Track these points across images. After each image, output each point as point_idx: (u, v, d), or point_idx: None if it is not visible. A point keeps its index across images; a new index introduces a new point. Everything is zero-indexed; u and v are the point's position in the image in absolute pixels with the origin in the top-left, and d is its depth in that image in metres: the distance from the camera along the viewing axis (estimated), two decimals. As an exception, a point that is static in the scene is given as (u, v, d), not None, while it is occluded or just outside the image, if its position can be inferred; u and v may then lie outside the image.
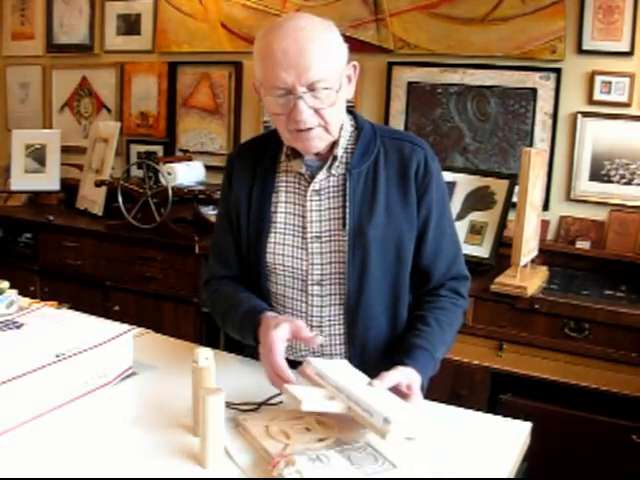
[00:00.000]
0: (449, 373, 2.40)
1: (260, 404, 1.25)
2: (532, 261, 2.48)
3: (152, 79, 3.63)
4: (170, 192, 2.89)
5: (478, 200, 2.65)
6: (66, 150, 3.76)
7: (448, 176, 2.57)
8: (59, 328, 1.40)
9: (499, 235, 2.57)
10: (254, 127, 3.37)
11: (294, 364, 1.29)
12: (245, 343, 1.45)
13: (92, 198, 3.50)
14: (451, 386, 2.41)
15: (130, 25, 3.65)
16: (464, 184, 2.68)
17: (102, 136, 3.54)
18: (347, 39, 1.38)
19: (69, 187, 3.70)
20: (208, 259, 1.59)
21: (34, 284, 3.31)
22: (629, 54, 2.62)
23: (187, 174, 3.09)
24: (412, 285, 1.46)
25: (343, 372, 1.24)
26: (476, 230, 2.61)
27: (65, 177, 3.74)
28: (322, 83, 1.29)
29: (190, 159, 3.30)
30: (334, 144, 1.41)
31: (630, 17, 2.60)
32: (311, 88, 1.28)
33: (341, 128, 1.41)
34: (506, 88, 2.83)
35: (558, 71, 2.73)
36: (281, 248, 1.43)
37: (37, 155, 3.68)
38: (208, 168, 3.26)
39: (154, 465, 1.06)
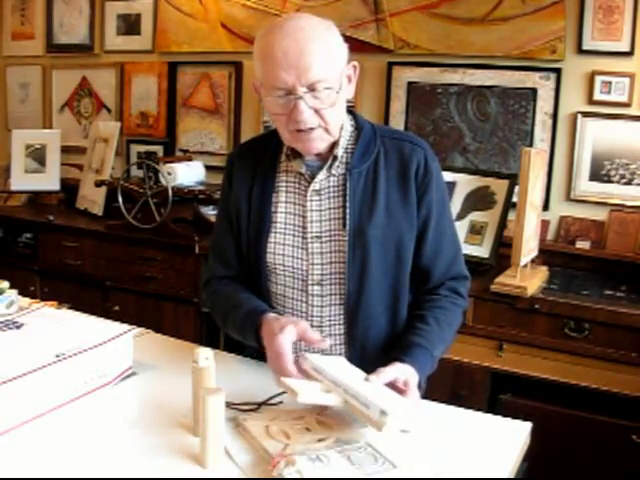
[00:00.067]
0: (449, 373, 2.40)
1: (260, 404, 1.25)
2: (532, 261, 2.48)
3: (152, 79, 3.63)
4: (170, 192, 2.89)
5: (478, 200, 2.65)
6: (66, 150, 3.76)
7: (448, 176, 2.57)
8: (59, 328, 1.40)
9: (499, 235, 2.57)
10: (254, 127, 3.37)
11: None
12: (246, 344, 1.45)
13: (92, 198, 3.50)
14: (451, 386, 2.41)
15: (130, 25, 3.65)
16: (464, 184, 2.68)
17: (102, 136, 3.54)
18: (347, 39, 1.39)
19: (69, 187, 3.70)
20: (208, 259, 1.59)
21: (34, 284, 3.31)
22: (629, 54, 2.62)
23: (187, 174, 3.09)
24: (412, 285, 1.46)
25: (340, 367, 1.24)
26: (476, 230, 2.61)
27: (65, 177, 3.74)
28: (322, 83, 1.29)
29: (190, 159, 3.30)
30: (334, 144, 1.41)
31: (630, 17, 2.60)
32: (311, 88, 1.28)
33: (341, 128, 1.41)
34: (506, 88, 2.83)
35: (558, 71, 2.73)
36: (281, 248, 1.43)
37: (37, 155, 3.68)
38: (208, 168, 3.26)
39: (154, 465, 1.06)
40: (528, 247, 2.38)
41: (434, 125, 2.98)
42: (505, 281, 2.33)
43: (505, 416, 1.30)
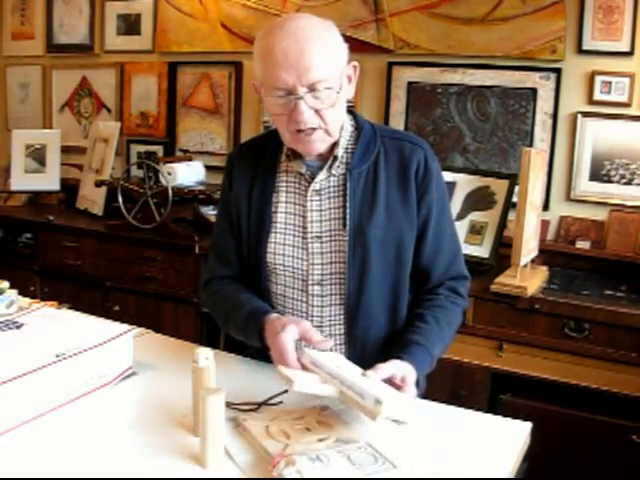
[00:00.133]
0: (449, 373, 2.40)
1: (260, 404, 1.25)
2: (532, 261, 2.48)
3: (152, 79, 3.63)
4: (170, 192, 2.89)
5: (478, 200, 2.65)
6: (66, 150, 3.76)
7: (448, 176, 2.57)
8: (59, 328, 1.40)
9: (499, 235, 2.57)
10: (254, 127, 3.37)
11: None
12: (247, 343, 1.45)
13: (92, 198, 3.50)
14: (451, 386, 2.41)
15: (130, 25, 3.65)
16: (464, 184, 2.68)
17: (102, 136, 3.54)
18: (347, 39, 1.38)
19: (69, 187, 3.70)
20: (208, 259, 1.59)
21: (34, 284, 3.31)
22: (629, 54, 2.62)
23: (187, 174, 3.09)
24: (412, 285, 1.46)
25: (337, 363, 1.24)
26: (476, 230, 2.61)
27: (65, 177, 3.74)
28: (323, 83, 1.29)
29: (190, 159, 3.30)
30: (334, 144, 1.41)
31: (630, 17, 2.60)
32: (312, 88, 1.28)
33: (341, 128, 1.41)
34: (506, 88, 2.83)
35: (558, 71, 2.73)
36: (281, 248, 1.43)
37: (37, 155, 3.68)
38: (208, 168, 3.26)
39: (154, 465, 1.06)
40: (528, 247, 2.38)
41: (434, 125, 2.98)
42: (505, 281, 2.33)
43: (505, 416, 1.30)
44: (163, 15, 3.53)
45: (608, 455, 2.20)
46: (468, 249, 2.49)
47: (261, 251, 1.43)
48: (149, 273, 3.04)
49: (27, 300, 1.69)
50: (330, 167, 1.41)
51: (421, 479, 1.05)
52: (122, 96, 3.74)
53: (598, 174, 2.71)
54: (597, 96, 2.67)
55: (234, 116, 3.42)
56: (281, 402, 1.26)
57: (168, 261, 3.00)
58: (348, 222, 1.38)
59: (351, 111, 1.48)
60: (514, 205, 2.45)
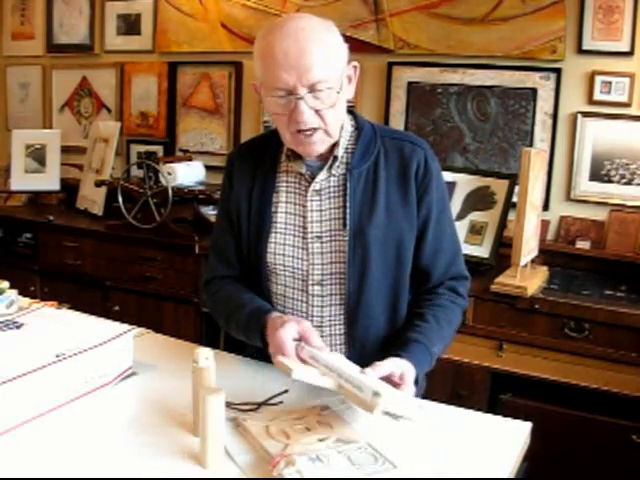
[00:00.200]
0: (449, 373, 2.41)
1: (260, 404, 1.25)
2: (532, 261, 2.48)
3: (152, 79, 3.63)
4: (170, 192, 2.89)
5: (478, 200, 2.65)
6: (66, 150, 3.76)
7: (448, 176, 2.57)
8: (59, 328, 1.40)
9: (499, 235, 2.57)
10: (254, 127, 3.37)
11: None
12: (248, 343, 1.45)
13: (92, 198, 3.50)
14: (451, 386, 2.41)
15: (130, 25, 3.65)
16: (464, 184, 2.68)
17: (102, 136, 3.54)
18: (347, 39, 1.38)
19: (69, 187, 3.70)
20: (208, 259, 1.59)
21: (34, 284, 3.31)
22: (629, 54, 2.62)
23: (187, 174, 3.09)
24: (411, 284, 1.46)
25: (336, 359, 1.24)
26: (476, 230, 2.61)
27: (65, 177, 3.74)
28: (323, 84, 1.29)
29: (190, 159, 3.30)
30: (335, 144, 1.41)
31: (630, 17, 2.60)
32: (312, 89, 1.28)
33: (341, 128, 1.41)
34: (506, 88, 2.83)
35: (558, 71, 2.73)
36: (282, 248, 1.43)
37: (37, 155, 3.68)
38: (208, 168, 3.26)
39: (154, 465, 1.06)
40: (528, 247, 2.38)
41: (434, 125, 2.98)
42: (505, 281, 2.33)
43: (505, 416, 1.30)
44: (163, 15, 3.53)
45: (608, 455, 2.20)
46: (468, 249, 2.49)
47: (261, 251, 1.43)
48: (149, 273, 3.04)
49: (27, 300, 1.68)
50: (330, 167, 1.41)
51: (421, 479, 1.05)
52: (122, 96, 3.74)
53: (598, 174, 2.71)
54: (597, 96, 2.68)
55: (234, 116, 3.42)
56: (281, 402, 1.26)
57: (168, 261, 3.00)
58: (348, 222, 1.38)
59: (351, 111, 1.48)
60: (514, 205, 2.45)
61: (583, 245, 2.70)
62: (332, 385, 1.14)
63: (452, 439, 1.19)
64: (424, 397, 1.45)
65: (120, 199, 3.05)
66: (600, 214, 2.72)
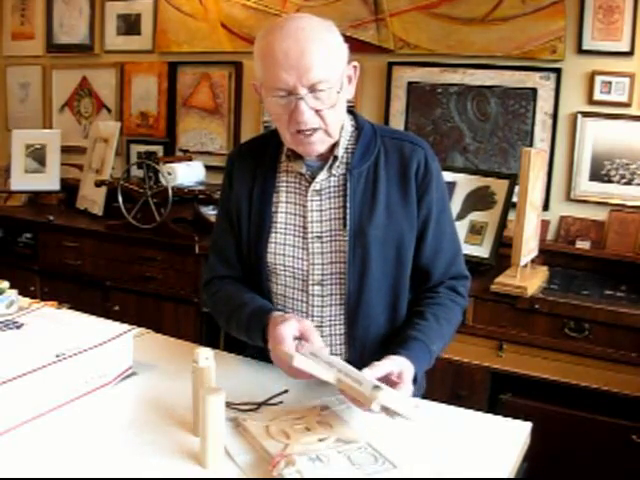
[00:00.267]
0: (449, 373, 2.41)
1: (260, 404, 1.25)
2: (532, 261, 2.48)
3: (152, 79, 3.63)
4: (170, 192, 2.89)
5: (478, 200, 2.65)
6: (66, 150, 3.76)
7: (448, 176, 2.57)
8: (59, 328, 1.40)
9: (499, 235, 2.57)
10: (254, 127, 3.37)
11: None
12: (250, 343, 1.44)
13: (92, 198, 3.50)
14: (451, 386, 2.41)
15: (130, 25, 3.65)
16: (464, 184, 2.68)
17: (102, 136, 3.54)
18: (347, 39, 1.38)
19: (69, 187, 3.70)
20: (208, 259, 1.59)
21: (34, 284, 3.31)
22: (629, 54, 2.62)
23: (187, 174, 3.09)
24: (412, 284, 1.46)
25: (336, 359, 1.24)
26: (476, 230, 2.61)
27: (65, 177, 3.74)
28: (323, 84, 1.29)
29: (190, 159, 3.30)
30: (335, 144, 1.41)
31: (630, 17, 2.60)
32: (312, 89, 1.28)
33: (342, 128, 1.41)
34: (506, 88, 2.83)
35: (558, 71, 2.73)
36: (282, 248, 1.43)
37: (37, 155, 3.68)
38: (208, 168, 3.26)
39: (154, 465, 1.06)
40: (528, 247, 2.38)
41: (434, 125, 2.98)
42: (505, 281, 2.33)
43: (505, 416, 1.29)
44: (163, 15, 3.53)
45: (608, 455, 2.20)
46: (468, 249, 2.49)
47: (261, 251, 1.43)
48: (149, 273, 3.04)
49: (27, 300, 1.69)
50: (330, 167, 1.41)
51: (421, 479, 1.05)
52: (122, 96, 3.74)
53: (598, 174, 2.71)
54: (597, 96, 2.68)
55: (234, 116, 3.42)
56: (281, 402, 1.26)
57: (168, 261, 3.00)
58: (348, 222, 1.38)
59: (351, 111, 1.48)
60: (514, 205, 2.45)
61: (583, 245, 2.70)
62: (332, 377, 1.13)
63: (452, 439, 1.19)
64: (424, 397, 1.45)
65: (120, 199, 3.05)
66: (600, 214, 2.72)
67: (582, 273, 2.64)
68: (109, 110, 3.80)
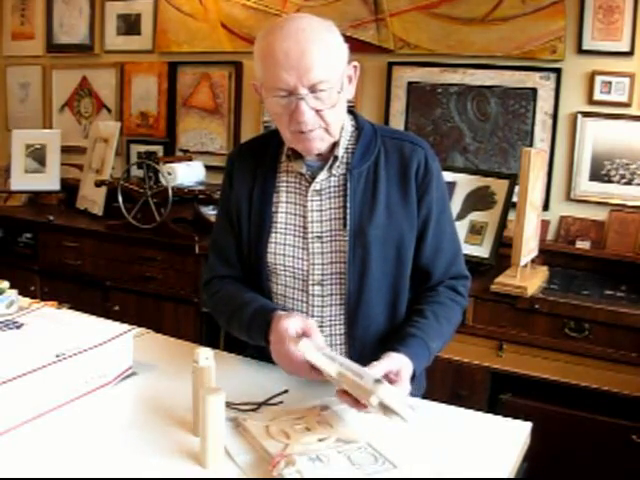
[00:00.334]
0: (449, 373, 2.41)
1: (260, 404, 1.25)
2: (532, 261, 2.48)
3: (152, 79, 3.63)
4: (170, 192, 2.89)
5: (478, 200, 2.65)
6: (66, 150, 3.76)
7: (448, 176, 2.57)
8: (59, 328, 1.40)
9: (499, 235, 2.57)
10: (254, 127, 3.37)
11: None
12: (250, 343, 1.44)
13: (92, 198, 3.50)
14: (451, 386, 2.41)
15: (130, 25, 3.65)
16: (464, 184, 2.68)
17: (102, 136, 3.54)
18: (347, 39, 1.38)
19: (69, 187, 3.70)
20: (208, 259, 1.59)
21: (34, 284, 3.31)
22: (629, 54, 2.62)
23: (187, 174, 3.09)
24: (412, 284, 1.46)
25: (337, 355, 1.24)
26: (476, 230, 2.61)
27: (65, 177, 3.74)
28: (323, 84, 1.29)
29: (190, 159, 3.30)
30: (335, 144, 1.41)
31: (630, 17, 2.60)
32: (313, 89, 1.28)
33: (342, 128, 1.41)
34: (506, 88, 2.83)
35: (558, 71, 2.73)
36: (282, 248, 1.43)
37: (37, 155, 3.68)
38: (208, 168, 3.26)
39: (154, 465, 1.06)
40: (528, 247, 2.38)
41: (434, 125, 2.98)
42: (505, 281, 2.33)
43: (505, 416, 1.29)
44: (163, 15, 3.53)
45: (608, 455, 2.20)
46: (468, 249, 2.49)
47: (261, 251, 1.43)
48: (149, 273, 3.04)
49: (27, 300, 1.69)
50: (330, 167, 1.41)
51: (421, 479, 1.05)
52: (122, 96, 3.74)
53: (598, 174, 2.71)
54: (597, 96, 2.68)
55: (234, 116, 3.42)
56: (281, 402, 1.26)
57: (168, 261, 3.00)
58: (348, 222, 1.38)
59: (351, 111, 1.48)
60: (514, 205, 2.45)
61: (583, 245, 2.70)
62: (333, 370, 1.14)
63: (452, 439, 1.19)
64: (424, 397, 1.45)
65: (120, 199, 3.05)
66: (600, 214, 2.72)
67: (582, 273, 2.64)
68: (109, 110, 3.80)
